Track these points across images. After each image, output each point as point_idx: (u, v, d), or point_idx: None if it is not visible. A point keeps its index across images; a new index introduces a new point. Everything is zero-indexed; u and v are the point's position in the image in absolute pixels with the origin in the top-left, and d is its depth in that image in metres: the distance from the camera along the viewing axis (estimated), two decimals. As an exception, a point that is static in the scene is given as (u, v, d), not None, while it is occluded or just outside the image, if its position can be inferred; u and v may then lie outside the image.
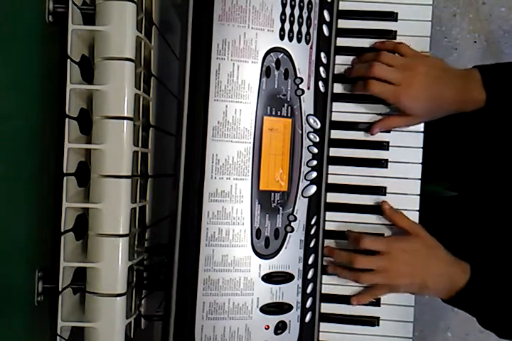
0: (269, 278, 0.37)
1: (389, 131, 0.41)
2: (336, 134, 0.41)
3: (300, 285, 0.38)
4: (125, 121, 0.32)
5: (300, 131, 0.38)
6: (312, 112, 0.39)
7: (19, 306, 0.31)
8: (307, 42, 0.39)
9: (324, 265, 0.40)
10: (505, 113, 0.39)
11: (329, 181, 0.41)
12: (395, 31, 0.41)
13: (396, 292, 0.39)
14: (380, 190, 0.41)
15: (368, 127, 0.41)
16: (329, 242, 0.41)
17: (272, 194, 0.37)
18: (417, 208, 0.41)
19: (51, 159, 0.34)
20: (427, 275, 0.38)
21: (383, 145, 0.41)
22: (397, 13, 0.42)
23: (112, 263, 0.31)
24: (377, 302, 0.41)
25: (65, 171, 0.33)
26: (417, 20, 0.41)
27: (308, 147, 0.39)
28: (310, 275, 0.39)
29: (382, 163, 0.41)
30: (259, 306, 0.37)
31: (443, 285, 0.38)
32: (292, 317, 0.38)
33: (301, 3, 0.38)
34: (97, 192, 0.32)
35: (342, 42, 0.42)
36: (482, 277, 0.38)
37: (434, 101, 0.39)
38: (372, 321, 0.41)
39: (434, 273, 0.38)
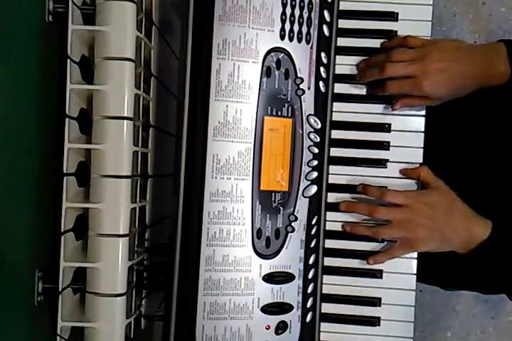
0: (269, 278, 0.37)
1: (389, 131, 0.41)
2: (336, 134, 0.41)
3: (301, 285, 0.38)
4: (125, 121, 0.31)
5: (301, 131, 0.38)
6: (313, 112, 0.39)
7: (19, 306, 0.31)
8: (307, 43, 0.39)
9: (341, 231, 0.39)
10: None
11: (330, 181, 0.41)
12: (396, 31, 0.41)
13: (415, 249, 0.38)
14: (381, 190, 0.41)
15: (391, 105, 0.40)
16: (329, 243, 0.40)
17: (273, 194, 0.37)
18: (418, 208, 0.41)
19: (51, 159, 0.34)
20: (446, 228, 0.38)
21: (384, 145, 0.41)
22: (397, 13, 0.42)
23: (112, 263, 0.31)
24: (378, 303, 0.40)
25: (65, 171, 0.32)
26: (417, 20, 0.41)
27: (308, 147, 0.39)
28: (311, 275, 0.39)
29: (382, 163, 0.41)
30: (260, 306, 0.37)
31: (463, 238, 0.38)
32: (293, 317, 0.38)
33: (302, 3, 0.38)
34: (97, 192, 0.32)
35: (342, 42, 0.42)
36: (503, 232, 0.38)
37: (457, 81, 0.38)
38: (373, 321, 0.40)
39: (454, 226, 0.38)
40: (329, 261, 0.41)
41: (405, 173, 0.40)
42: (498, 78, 0.39)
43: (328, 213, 0.41)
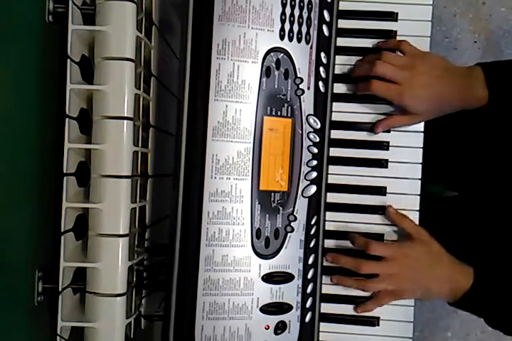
0: (269, 278, 0.37)
1: (389, 131, 0.41)
2: (336, 134, 0.41)
3: (300, 285, 0.38)
4: (125, 121, 0.32)
5: (300, 131, 0.38)
6: (312, 112, 0.39)
7: (19, 306, 0.31)
8: (307, 43, 0.39)
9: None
10: (507, 110, 0.39)
11: (329, 181, 0.41)
12: (395, 31, 0.41)
13: (400, 298, 0.39)
14: (380, 190, 0.41)
15: (371, 127, 0.41)
16: (328, 243, 0.41)
17: (272, 194, 0.37)
18: (417, 208, 0.41)
19: (51, 159, 0.34)
20: (431, 281, 0.38)
21: (383, 145, 0.41)
22: (397, 13, 0.42)
23: (112, 263, 0.31)
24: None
25: (65, 171, 0.33)
26: (417, 20, 0.41)
27: (308, 147, 0.39)
28: (310, 275, 0.39)
29: (382, 163, 0.41)
30: (259, 306, 0.37)
31: (447, 290, 0.39)
32: (292, 317, 0.38)
33: (301, 3, 0.38)
34: (97, 192, 0.32)
35: (342, 42, 0.42)
36: (486, 279, 0.39)
37: (437, 99, 0.39)
38: (373, 321, 0.40)
39: (438, 278, 0.38)
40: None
41: (390, 217, 0.40)
42: (476, 101, 0.39)
43: (327, 213, 0.41)
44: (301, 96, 0.38)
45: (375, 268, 0.38)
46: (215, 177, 0.36)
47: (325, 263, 0.41)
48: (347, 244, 0.41)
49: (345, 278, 0.39)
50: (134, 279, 0.37)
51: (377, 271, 0.38)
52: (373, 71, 0.38)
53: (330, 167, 0.41)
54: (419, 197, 0.41)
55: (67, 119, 0.32)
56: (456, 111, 0.40)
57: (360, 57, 0.42)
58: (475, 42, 0.93)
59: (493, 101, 0.39)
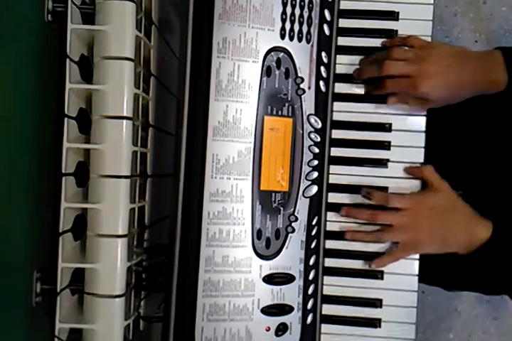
0: (270, 279, 0.37)
1: (390, 131, 0.41)
2: (337, 134, 0.41)
3: (301, 287, 0.38)
4: (124, 121, 0.31)
5: (301, 131, 0.38)
6: (313, 112, 0.39)
7: (17, 307, 0.31)
8: (308, 42, 0.38)
9: (341, 231, 0.39)
10: None
11: (330, 181, 0.41)
12: (396, 30, 0.41)
13: (417, 252, 0.38)
14: (382, 190, 0.41)
15: (386, 99, 0.40)
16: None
17: (273, 194, 0.37)
18: (419, 208, 0.41)
19: (50, 159, 0.34)
20: (448, 230, 0.38)
21: (385, 145, 0.41)
22: (398, 13, 0.41)
23: (111, 264, 0.31)
24: (379, 304, 0.40)
25: (63, 171, 0.32)
26: (418, 20, 0.41)
27: (309, 147, 0.38)
28: (311, 276, 0.38)
29: (383, 163, 0.41)
30: (260, 307, 0.36)
31: (464, 240, 0.38)
32: (293, 319, 0.38)
33: (302, 3, 0.38)
34: (95, 193, 0.32)
35: (343, 41, 0.41)
36: (504, 233, 0.38)
37: (452, 87, 0.38)
38: (374, 323, 0.40)
39: (455, 228, 0.38)
40: (330, 262, 0.41)
41: (409, 172, 0.40)
42: (494, 86, 0.39)
43: (328, 213, 0.41)
44: (302, 96, 0.38)
45: (392, 217, 0.37)
46: (216, 177, 0.35)
47: (326, 264, 0.40)
48: (348, 244, 0.41)
49: (358, 231, 0.39)
50: (133, 280, 0.36)
51: (393, 220, 0.38)
52: (383, 72, 0.38)
53: (331, 167, 0.41)
54: (420, 197, 0.41)
55: (66, 119, 0.32)
56: (475, 95, 0.39)
57: (362, 57, 0.41)
58: (476, 41, 0.93)
59: None
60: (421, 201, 0.38)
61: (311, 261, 0.39)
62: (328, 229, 0.41)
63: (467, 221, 0.39)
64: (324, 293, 0.40)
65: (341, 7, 0.41)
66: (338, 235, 0.41)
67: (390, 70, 0.38)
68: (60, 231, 0.32)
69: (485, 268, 0.40)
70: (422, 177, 0.39)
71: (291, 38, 0.37)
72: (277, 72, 0.37)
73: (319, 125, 0.39)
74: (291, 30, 0.37)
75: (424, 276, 0.41)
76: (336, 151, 0.41)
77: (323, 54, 0.39)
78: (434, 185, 0.39)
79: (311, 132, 0.38)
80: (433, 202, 0.38)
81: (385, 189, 0.41)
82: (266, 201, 0.37)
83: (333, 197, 0.41)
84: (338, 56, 0.41)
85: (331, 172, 0.41)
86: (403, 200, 0.38)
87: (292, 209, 0.38)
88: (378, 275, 0.40)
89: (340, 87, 0.41)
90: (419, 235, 0.38)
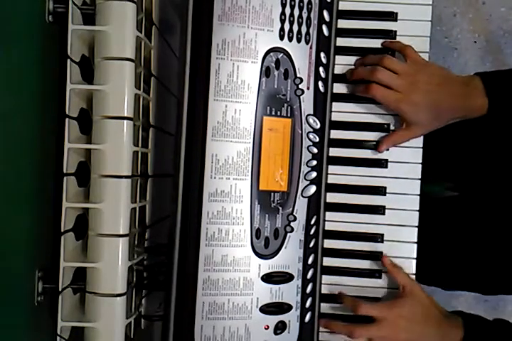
0: (268, 278, 0.37)
1: (389, 131, 0.41)
2: (335, 134, 0.41)
3: (300, 285, 0.38)
4: (125, 121, 0.32)
5: (300, 131, 0.38)
6: (312, 112, 0.39)
7: (19, 306, 0.31)
8: (307, 43, 0.39)
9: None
10: (507, 120, 0.39)
11: (329, 181, 0.41)
12: (395, 31, 0.42)
13: None
14: (380, 190, 0.41)
15: (375, 145, 0.41)
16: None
17: (272, 194, 0.37)
18: (417, 208, 0.41)
19: (51, 159, 0.34)
20: (424, 338, 0.38)
21: (383, 145, 0.41)
22: (396, 13, 0.42)
23: (112, 263, 0.31)
24: (376, 302, 0.40)
25: (65, 171, 0.33)
26: (416, 20, 0.41)
27: (308, 147, 0.39)
28: (310, 275, 0.39)
29: (382, 163, 0.41)
30: (259, 306, 0.37)
31: None
32: (292, 317, 0.38)
33: (301, 3, 0.38)
34: (97, 192, 0.32)
35: (342, 42, 0.42)
36: (475, 330, 0.39)
37: (435, 108, 0.39)
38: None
39: (431, 335, 0.38)
40: (328, 261, 0.41)
41: (384, 266, 0.40)
42: (476, 110, 0.39)
43: (327, 213, 0.41)
44: (301, 96, 0.38)
45: (367, 332, 0.38)
46: (215, 177, 0.36)
47: (324, 263, 0.41)
48: (347, 244, 0.41)
49: (334, 323, 0.39)
50: (134, 279, 0.37)
51: (370, 335, 0.38)
52: (373, 76, 0.38)
53: (330, 167, 0.41)
54: (418, 197, 0.41)
55: (67, 119, 0.33)
56: (456, 120, 0.40)
57: (359, 57, 0.42)
58: (475, 42, 0.93)
59: (493, 110, 0.39)
60: (394, 310, 0.38)
61: (310, 260, 0.39)
62: (326, 228, 0.41)
63: (441, 328, 0.39)
64: (323, 291, 0.41)
65: (340, 8, 0.41)
66: (337, 234, 0.41)
67: (379, 77, 0.38)
68: (62, 230, 0.32)
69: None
70: (395, 278, 0.39)
71: (290, 39, 0.38)
72: (276, 72, 0.37)
73: (318, 125, 0.39)
74: (290, 30, 0.38)
75: (421, 276, 0.41)
76: (334, 151, 0.41)
77: (322, 54, 0.39)
78: (407, 290, 0.39)
79: (309, 132, 0.39)
80: (407, 311, 0.38)
81: (383, 188, 0.41)
82: (265, 201, 0.37)
83: (332, 197, 0.41)
84: (336, 57, 0.41)
85: (329, 172, 0.41)
86: (373, 309, 0.38)
87: (291, 209, 0.38)
88: (376, 274, 0.41)
89: (339, 88, 0.41)
90: None
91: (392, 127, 0.41)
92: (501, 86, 0.39)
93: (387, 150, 0.41)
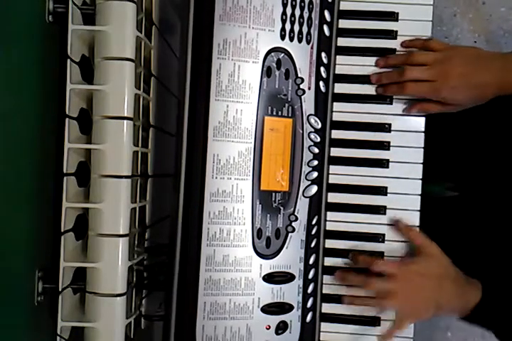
0: (270, 278, 0.37)
1: (390, 131, 0.41)
2: (336, 134, 0.41)
3: (301, 285, 0.38)
4: (125, 121, 0.31)
5: (301, 131, 0.38)
6: (313, 112, 0.39)
7: (19, 306, 0.31)
8: (308, 43, 0.39)
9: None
10: None
11: (330, 181, 0.41)
12: (396, 31, 0.41)
13: (415, 319, 0.38)
14: (381, 190, 0.41)
15: (407, 108, 0.40)
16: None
17: (273, 194, 0.37)
18: (418, 208, 0.41)
19: (51, 159, 0.34)
20: (440, 298, 0.38)
21: (384, 145, 0.41)
22: (397, 13, 0.41)
23: (112, 263, 0.31)
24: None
25: (65, 171, 0.32)
26: (417, 20, 0.41)
27: (309, 147, 0.39)
28: (311, 275, 0.39)
29: (383, 163, 0.41)
30: (260, 306, 0.37)
31: (457, 305, 0.38)
32: (293, 317, 0.38)
33: (302, 3, 0.38)
34: (97, 192, 0.32)
35: (343, 42, 0.41)
36: (493, 292, 0.38)
37: (476, 88, 0.38)
38: (373, 321, 0.40)
39: (448, 294, 0.38)
40: (329, 261, 0.41)
41: (399, 230, 0.40)
42: None
43: (328, 213, 0.41)
44: (302, 96, 0.38)
45: (384, 285, 0.37)
46: (216, 177, 0.35)
47: (326, 263, 0.41)
48: (348, 244, 0.41)
49: (350, 275, 0.39)
50: (134, 279, 0.37)
51: (386, 288, 0.37)
52: (404, 78, 0.38)
53: (331, 167, 0.41)
54: (419, 197, 0.41)
55: (67, 119, 0.32)
56: (497, 95, 0.39)
57: (361, 58, 0.41)
58: (475, 42, 0.93)
59: None
60: (410, 268, 0.38)
61: (311, 260, 0.39)
62: (327, 228, 0.41)
63: (458, 287, 0.38)
64: (324, 291, 0.41)
65: (341, 8, 0.41)
66: (338, 234, 0.41)
67: (411, 76, 0.38)
68: (62, 230, 0.32)
69: (482, 326, 0.40)
70: (410, 240, 0.39)
71: (292, 39, 0.38)
72: (277, 72, 0.37)
73: (319, 125, 0.39)
74: (292, 30, 0.38)
75: None
76: (335, 151, 0.41)
77: (323, 54, 0.39)
78: (424, 249, 0.38)
79: (310, 132, 0.39)
80: (423, 269, 0.38)
81: (384, 188, 0.41)
82: (266, 201, 0.37)
83: (333, 197, 0.41)
84: (337, 57, 0.41)
85: (330, 172, 0.41)
86: (389, 266, 0.37)
87: (292, 209, 0.38)
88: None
89: (340, 88, 0.41)
90: (414, 303, 0.38)
91: (393, 127, 0.41)
92: None
93: (389, 149, 0.41)
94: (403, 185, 0.41)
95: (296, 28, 0.38)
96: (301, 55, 0.38)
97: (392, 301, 0.38)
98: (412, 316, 0.38)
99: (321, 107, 0.39)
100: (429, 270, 0.38)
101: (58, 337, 0.32)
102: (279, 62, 0.37)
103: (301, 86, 0.38)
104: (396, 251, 0.40)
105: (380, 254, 0.41)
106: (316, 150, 0.39)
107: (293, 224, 0.38)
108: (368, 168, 0.41)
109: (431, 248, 0.39)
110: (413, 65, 0.38)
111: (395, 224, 0.40)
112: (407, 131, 0.41)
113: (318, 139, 0.39)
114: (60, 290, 0.32)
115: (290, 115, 0.38)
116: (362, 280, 0.38)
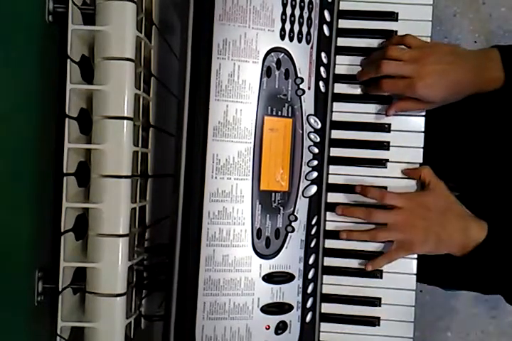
0: (269, 278, 0.37)
1: (389, 131, 0.41)
2: (336, 134, 0.41)
3: (301, 285, 0.38)
4: (125, 121, 0.31)
5: (301, 131, 0.38)
6: (313, 112, 0.39)
7: (19, 306, 0.31)
8: (308, 42, 0.39)
9: (336, 231, 0.40)
10: None
11: (330, 181, 0.41)
12: (396, 31, 0.41)
13: (412, 252, 0.38)
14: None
15: (386, 110, 0.40)
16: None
17: (273, 194, 0.37)
18: (418, 208, 0.41)
19: (51, 159, 0.34)
20: (442, 230, 0.38)
21: (384, 145, 0.41)
22: (397, 13, 0.41)
23: (112, 263, 0.31)
24: (378, 303, 0.40)
25: (65, 171, 0.32)
26: (417, 20, 0.41)
27: (308, 147, 0.39)
28: (311, 275, 0.39)
29: (382, 163, 0.41)
30: (260, 306, 0.37)
31: (458, 240, 0.38)
32: (293, 317, 0.38)
33: (302, 3, 0.38)
34: (97, 192, 0.32)
35: (343, 42, 0.41)
36: (499, 234, 0.38)
37: (451, 86, 0.38)
38: (373, 321, 0.40)
39: (450, 227, 0.38)
40: (329, 261, 0.41)
41: (407, 173, 0.40)
42: (492, 84, 0.39)
43: (328, 213, 0.41)
44: (302, 96, 0.38)
45: (386, 216, 0.37)
46: (216, 177, 0.35)
47: (325, 263, 0.41)
48: (348, 244, 0.41)
49: (353, 231, 0.39)
50: (134, 279, 0.37)
51: (387, 219, 0.37)
52: (380, 72, 0.38)
53: (330, 167, 0.41)
54: (419, 197, 0.41)
55: (67, 119, 0.32)
56: (472, 94, 0.39)
57: (361, 58, 0.41)
58: (475, 42, 0.93)
59: (510, 82, 0.38)
60: (417, 200, 0.38)
61: (311, 260, 0.39)
62: (327, 228, 0.41)
63: (462, 222, 0.38)
64: (324, 291, 0.41)
65: (341, 8, 0.41)
66: (338, 234, 0.41)
67: (386, 70, 0.38)
68: (62, 230, 0.32)
69: (481, 268, 0.40)
70: (419, 177, 0.39)
71: (291, 39, 0.38)
72: (277, 72, 0.37)
73: (319, 125, 0.39)
74: (291, 30, 0.38)
75: (422, 276, 0.41)
76: (335, 151, 0.41)
77: (323, 54, 0.39)
78: (431, 186, 0.39)
79: (310, 132, 0.39)
80: (429, 202, 0.38)
81: (384, 188, 0.41)
82: (266, 201, 0.37)
83: (333, 197, 0.41)
84: (337, 57, 0.41)
85: (330, 172, 0.41)
86: (398, 198, 0.38)
87: (292, 209, 0.38)
88: (377, 274, 0.41)
89: (340, 88, 0.41)
90: (413, 234, 0.38)
91: (393, 127, 0.41)
92: None
93: (388, 149, 0.41)
94: (403, 185, 0.41)
95: (296, 28, 0.38)
96: (301, 55, 0.38)
97: (390, 232, 0.38)
98: (407, 247, 0.38)
99: (321, 107, 0.39)
100: (433, 204, 0.38)
101: (58, 337, 0.32)
102: (278, 62, 0.37)
103: (301, 86, 0.38)
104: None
105: (380, 253, 0.40)
106: (316, 150, 0.39)
107: (292, 224, 0.38)
108: (367, 168, 0.41)
109: (438, 184, 0.39)
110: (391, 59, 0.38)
111: (405, 172, 0.40)
112: (407, 131, 0.41)
113: (318, 139, 0.39)
114: (60, 290, 0.32)
115: (290, 115, 0.38)
116: (365, 211, 0.38)
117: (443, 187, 0.39)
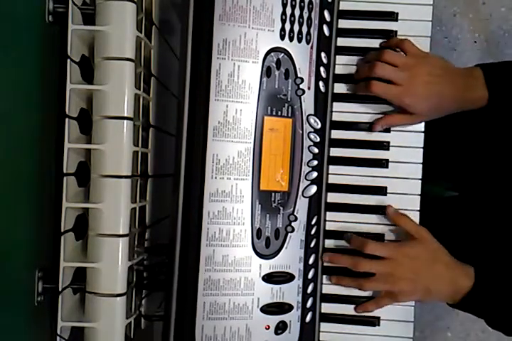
0: (269, 278, 0.37)
1: (389, 131, 0.41)
2: (336, 134, 0.41)
3: (300, 285, 0.38)
4: (125, 121, 0.32)
5: (300, 131, 0.38)
6: (313, 112, 0.39)
7: (19, 306, 0.31)
8: (308, 42, 0.39)
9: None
10: (507, 111, 0.39)
11: (330, 181, 0.41)
12: (396, 31, 0.41)
13: (399, 301, 0.39)
14: (381, 190, 0.41)
15: (369, 126, 0.41)
16: (328, 243, 0.41)
17: (273, 194, 0.37)
18: (418, 208, 0.41)
19: (51, 159, 0.34)
20: (430, 281, 0.38)
21: (384, 145, 0.41)
22: (397, 13, 0.42)
23: (112, 263, 0.31)
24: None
25: (65, 171, 0.32)
26: (417, 20, 0.41)
27: (308, 147, 0.39)
28: (310, 275, 0.39)
29: (382, 163, 0.41)
30: (260, 306, 0.37)
31: (447, 290, 0.38)
32: (293, 317, 0.38)
33: (302, 3, 0.38)
34: (97, 192, 0.32)
35: (342, 42, 0.42)
36: (486, 280, 0.38)
37: (437, 99, 0.39)
38: (373, 321, 0.40)
39: (437, 278, 0.38)
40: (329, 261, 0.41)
41: (389, 217, 0.40)
42: (476, 102, 0.39)
43: (328, 213, 0.41)
44: (302, 96, 0.38)
45: (372, 266, 0.38)
46: (216, 177, 0.35)
47: (325, 264, 0.41)
48: (346, 244, 0.41)
49: (344, 277, 0.39)
50: (134, 279, 0.37)
51: (373, 269, 0.38)
52: (373, 73, 0.38)
53: (330, 167, 0.41)
54: (419, 197, 0.41)
55: (67, 119, 0.32)
56: (456, 111, 0.40)
57: (361, 57, 0.42)
58: (475, 42, 0.93)
59: (493, 102, 0.39)
60: (403, 251, 0.38)
61: (311, 260, 0.39)
62: (327, 228, 0.41)
63: (451, 272, 0.38)
64: (323, 291, 0.41)
65: (341, 8, 0.41)
66: (337, 234, 0.41)
67: (379, 72, 0.38)
68: (62, 230, 0.32)
69: (474, 313, 0.40)
70: (400, 225, 0.39)
71: (291, 39, 0.38)
72: (277, 72, 0.37)
73: (319, 125, 0.39)
74: (291, 30, 0.38)
75: None
76: (335, 151, 0.41)
77: (323, 54, 0.39)
78: (414, 235, 0.39)
79: (310, 132, 0.39)
80: (414, 252, 0.38)
81: (384, 188, 0.41)
82: (266, 201, 0.37)
83: (333, 197, 0.41)
84: (337, 57, 0.41)
85: (330, 172, 0.41)
86: (380, 248, 0.38)
87: (292, 209, 0.38)
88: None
89: (340, 88, 0.41)
90: (401, 286, 0.37)
91: (392, 127, 0.41)
92: (502, 77, 0.39)
93: (388, 149, 0.41)
94: (403, 185, 0.41)
95: (296, 28, 0.38)
96: (301, 54, 0.38)
97: (377, 283, 0.38)
98: (395, 297, 0.38)
99: (321, 107, 0.39)
100: (420, 253, 0.38)
101: (58, 337, 0.32)
102: (278, 62, 0.37)
103: (301, 86, 0.38)
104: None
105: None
106: (316, 150, 0.39)
107: (292, 224, 0.38)
108: (367, 168, 0.41)
109: (422, 233, 0.39)
110: (386, 63, 0.38)
111: (386, 210, 0.40)
112: (407, 131, 0.41)
113: (318, 139, 0.39)
114: (60, 290, 0.32)
115: (290, 115, 0.38)
116: (351, 261, 0.38)
117: (427, 234, 0.39)
